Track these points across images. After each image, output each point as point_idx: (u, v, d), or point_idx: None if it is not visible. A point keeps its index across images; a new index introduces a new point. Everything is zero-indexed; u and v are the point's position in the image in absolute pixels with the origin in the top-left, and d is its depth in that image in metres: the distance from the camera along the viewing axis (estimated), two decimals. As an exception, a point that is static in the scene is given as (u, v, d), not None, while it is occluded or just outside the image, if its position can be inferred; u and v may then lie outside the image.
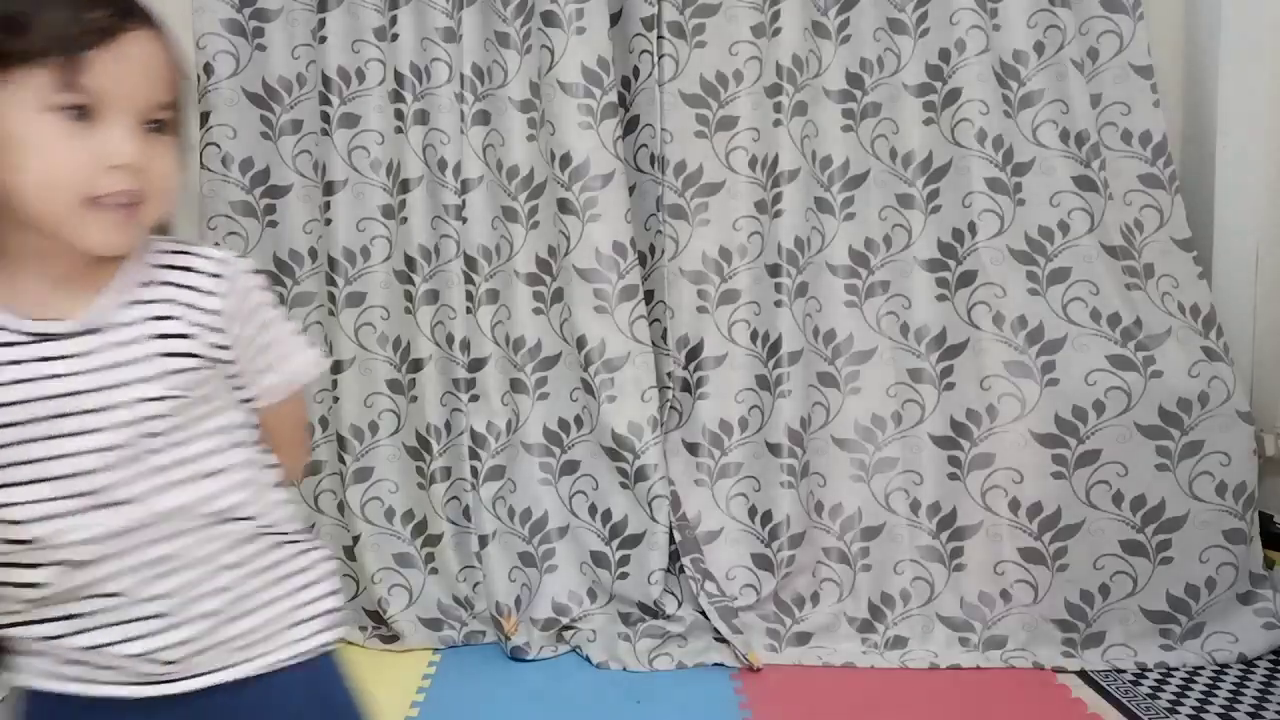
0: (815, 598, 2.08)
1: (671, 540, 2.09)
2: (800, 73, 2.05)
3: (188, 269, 0.81)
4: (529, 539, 2.12)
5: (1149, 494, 1.94)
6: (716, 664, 1.96)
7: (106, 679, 0.78)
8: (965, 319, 2.04)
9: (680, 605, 2.07)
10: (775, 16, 2.04)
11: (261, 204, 2.10)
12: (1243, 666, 1.89)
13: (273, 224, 2.11)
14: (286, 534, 0.86)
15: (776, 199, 2.06)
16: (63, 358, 0.75)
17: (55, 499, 0.74)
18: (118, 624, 0.77)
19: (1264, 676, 1.85)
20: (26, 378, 0.74)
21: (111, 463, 0.75)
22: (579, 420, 2.12)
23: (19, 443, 0.73)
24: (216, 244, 0.79)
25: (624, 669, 1.96)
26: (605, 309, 2.05)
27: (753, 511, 2.10)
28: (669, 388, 2.15)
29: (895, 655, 1.97)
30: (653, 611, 2.05)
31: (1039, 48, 2.02)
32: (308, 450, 0.88)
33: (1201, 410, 1.94)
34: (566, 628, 2.07)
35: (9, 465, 0.73)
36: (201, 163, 2.06)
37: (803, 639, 2.02)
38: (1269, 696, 1.77)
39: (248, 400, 0.85)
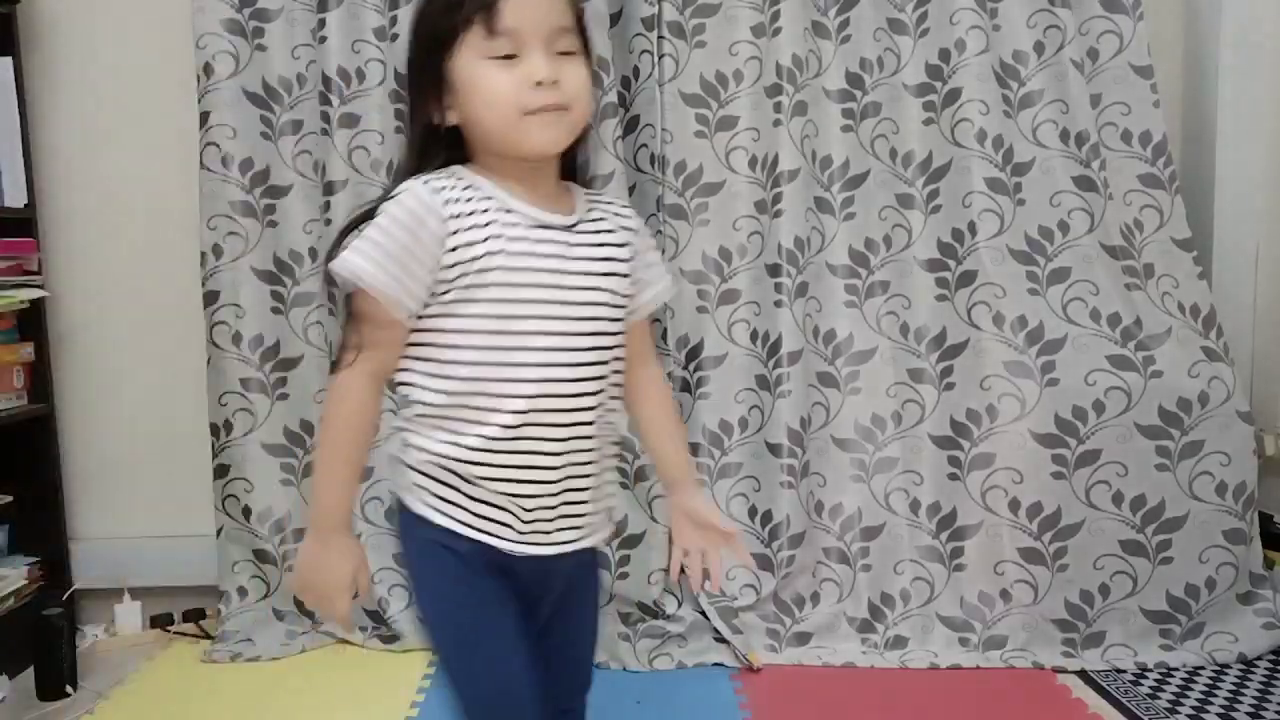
0: (815, 598, 2.08)
1: (671, 540, 2.08)
2: (800, 73, 2.05)
3: (611, 203, 1.09)
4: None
5: (1149, 494, 1.94)
6: (716, 664, 1.96)
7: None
8: (965, 319, 2.04)
9: (680, 605, 2.07)
10: (775, 16, 2.04)
11: (261, 204, 2.10)
12: (1243, 666, 1.89)
13: (273, 224, 2.11)
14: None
15: (776, 199, 2.06)
16: (563, 243, 1.00)
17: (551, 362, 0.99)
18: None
19: (1264, 676, 1.85)
20: (550, 254, 0.99)
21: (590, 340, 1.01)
22: (579, 420, 2.12)
23: (543, 301, 0.98)
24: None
25: (624, 669, 1.96)
26: (605, 309, 2.05)
27: (753, 511, 2.10)
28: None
29: (895, 655, 1.98)
30: (653, 611, 2.05)
31: (1039, 48, 2.02)
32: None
33: (1201, 410, 1.94)
34: (566, 628, 2.06)
35: (531, 317, 0.97)
36: (202, 163, 2.06)
37: (803, 639, 2.02)
38: (1269, 696, 1.77)
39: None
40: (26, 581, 2.04)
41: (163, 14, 2.15)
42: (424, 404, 0.99)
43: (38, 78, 2.16)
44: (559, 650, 1.08)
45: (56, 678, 1.90)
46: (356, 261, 0.94)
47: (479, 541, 0.99)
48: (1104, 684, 1.86)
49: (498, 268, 0.96)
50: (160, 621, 2.19)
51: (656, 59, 2.08)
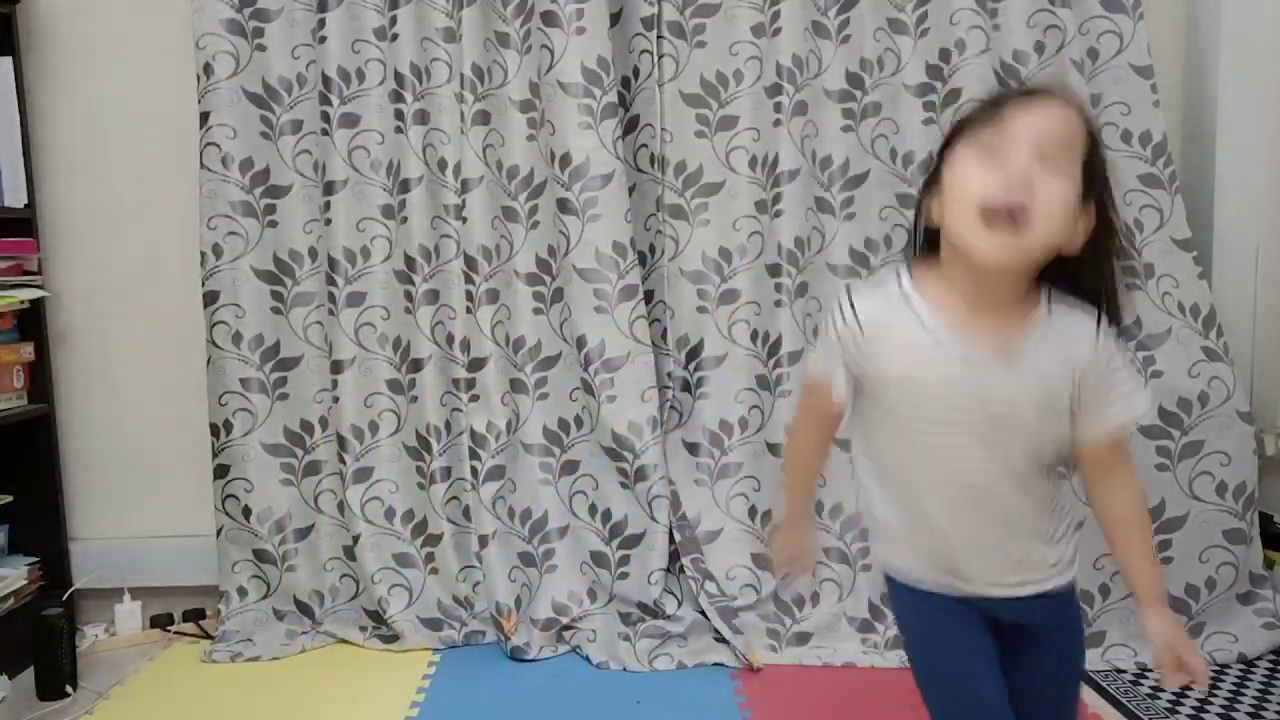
0: (815, 598, 2.08)
1: (671, 540, 2.08)
2: (800, 73, 2.05)
3: (1076, 328, 1.04)
4: (529, 539, 2.12)
5: (1149, 494, 1.94)
6: (716, 664, 1.96)
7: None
8: (965, 319, 2.04)
9: (680, 605, 2.07)
10: (775, 16, 2.04)
11: (261, 204, 2.10)
12: (1243, 666, 1.89)
13: (273, 224, 2.11)
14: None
15: (776, 199, 2.06)
16: (977, 382, 1.02)
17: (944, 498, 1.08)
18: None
19: (1264, 676, 1.85)
20: (960, 380, 1.02)
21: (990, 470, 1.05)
22: (579, 420, 2.12)
23: (959, 423, 1.03)
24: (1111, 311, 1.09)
25: (624, 669, 1.96)
26: (605, 309, 2.05)
27: (753, 511, 2.10)
28: (669, 388, 2.15)
29: (895, 655, 1.97)
30: (653, 611, 2.05)
31: (1039, 48, 2.02)
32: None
33: (1201, 410, 1.94)
34: (566, 628, 2.07)
35: (952, 435, 1.04)
36: (202, 163, 2.06)
37: (803, 639, 2.02)
38: (1269, 696, 1.77)
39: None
40: (26, 581, 2.04)
41: (163, 14, 2.15)
42: None
43: (38, 78, 2.17)
44: (1023, 686, 1.12)
45: (56, 678, 1.90)
46: (811, 359, 1.18)
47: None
48: (1104, 684, 1.85)
49: (909, 394, 1.04)
50: (160, 621, 2.19)
51: (656, 59, 2.08)
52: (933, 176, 1.05)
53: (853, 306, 1.06)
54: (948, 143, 1.03)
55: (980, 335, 1.01)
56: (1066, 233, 0.98)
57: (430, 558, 2.13)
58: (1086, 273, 1.03)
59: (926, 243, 1.07)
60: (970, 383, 1.01)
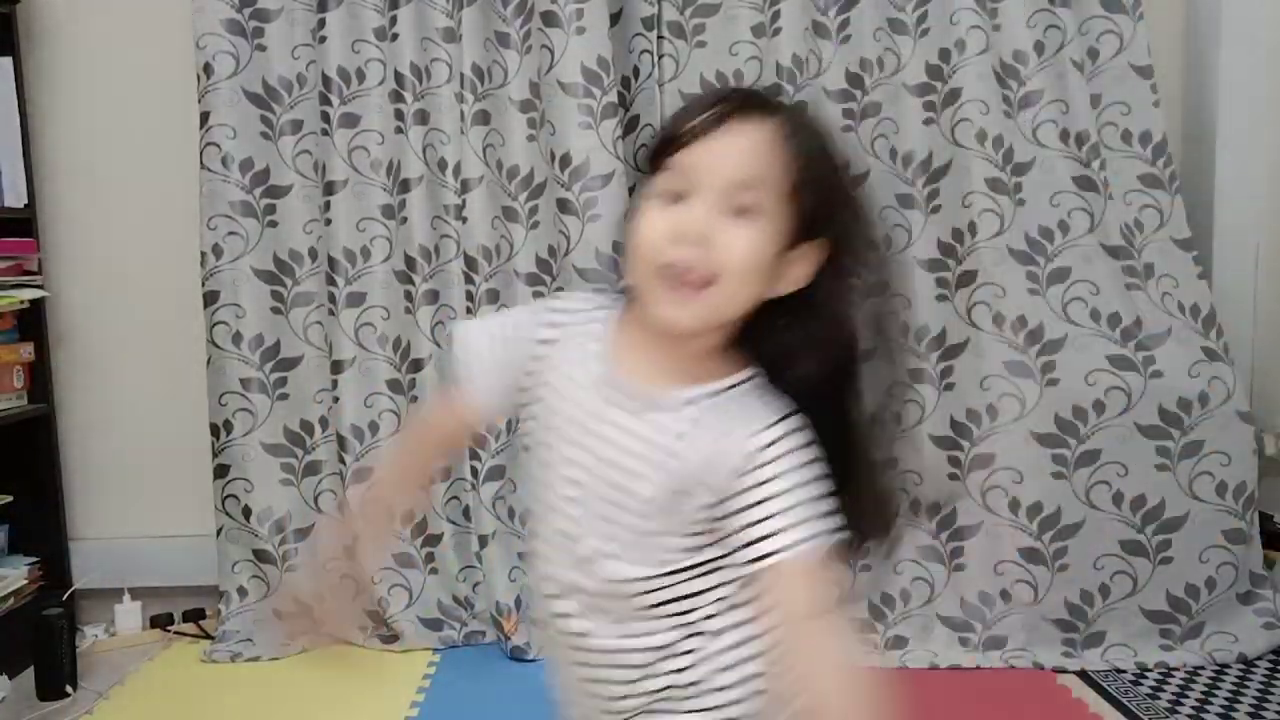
0: (815, 598, 2.07)
1: (671, 540, 2.08)
2: (800, 73, 2.05)
3: (747, 420, 0.82)
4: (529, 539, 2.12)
5: (1149, 494, 1.94)
6: (716, 664, 1.96)
7: None
8: (965, 319, 2.04)
9: (680, 605, 2.06)
10: (775, 16, 2.04)
11: (261, 204, 2.10)
12: (1243, 666, 1.89)
13: (273, 224, 2.11)
14: None
15: (776, 199, 2.06)
16: (616, 425, 0.84)
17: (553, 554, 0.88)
18: None
19: (1264, 676, 1.85)
20: (592, 430, 0.85)
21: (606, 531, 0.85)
22: (579, 420, 2.12)
23: (580, 481, 0.85)
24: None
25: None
26: (605, 309, 2.05)
27: (753, 511, 2.09)
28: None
29: (895, 655, 1.97)
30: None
31: (1039, 48, 2.02)
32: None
33: (1201, 410, 1.94)
34: (566, 628, 2.06)
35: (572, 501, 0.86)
36: (202, 163, 2.06)
37: (803, 639, 2.02)
38: (1269, 696, 1.77)
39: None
40: (26, 581, 2.04)
41: (163, 14, 2.15)
42: None
43: (38, 78, 2.16)
44: None
45: (56, 678, 1.89)
46: (472, 321, 0.96)
47: None
48: (1104, 684, 1.85)
49: (541, 415, 0.89)
50: (160, 621, 2.19)
51: (656, 59, 2.08)
52: (636, 197, 0.87)
53: (549, 304, 0.91)
54: (647, 160, 0.86)
55: (637, 388, 0.84)
56: (757, 289, 0.81)
57: (430, 558, 2.13)
58: (778, 334, 0.84)
59: None
60: (597, 438, 0.84)
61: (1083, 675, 1.89)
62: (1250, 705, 1.74)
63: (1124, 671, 1.90)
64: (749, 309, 0.82)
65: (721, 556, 0.83)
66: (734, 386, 0.84)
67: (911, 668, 1.95)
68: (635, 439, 0.83)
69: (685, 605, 0.85)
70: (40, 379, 2.10)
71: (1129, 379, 1.95)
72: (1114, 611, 1.96)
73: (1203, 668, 1.89)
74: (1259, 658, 1.91)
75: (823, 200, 0.81)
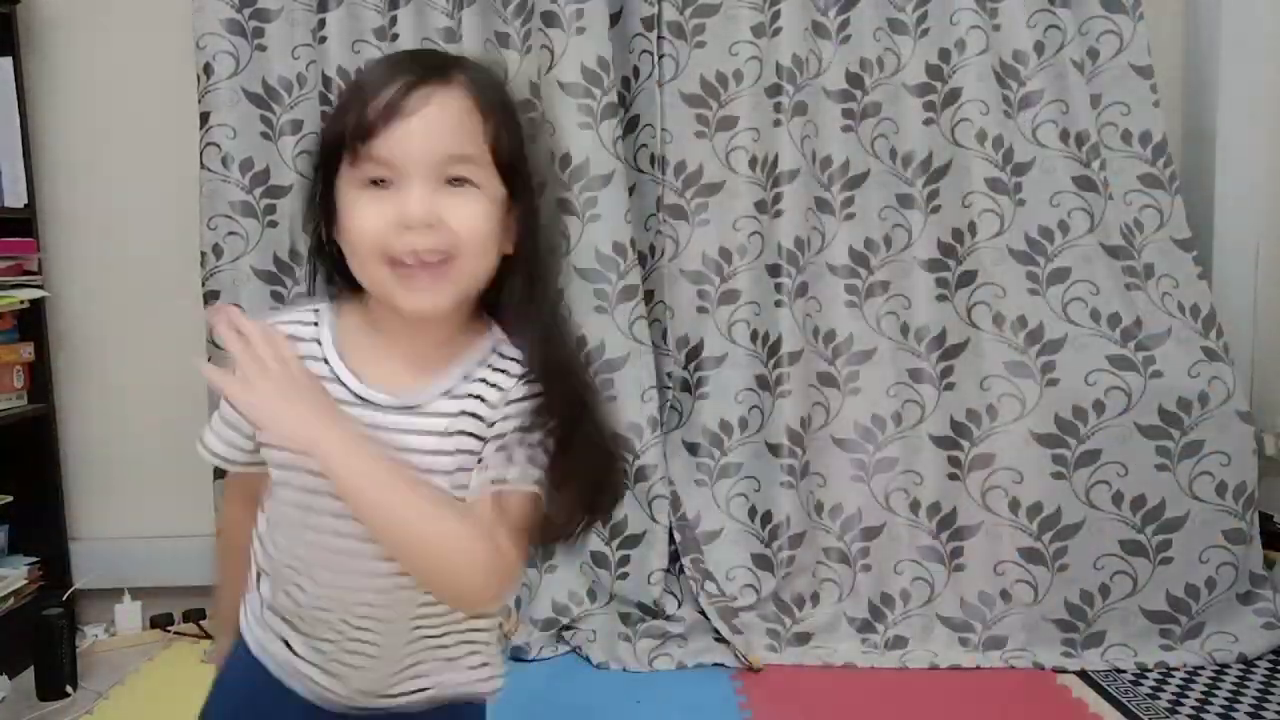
0: (815, 598, 2.08)
1: (671, 540, 2.08)
2: (800, 73, 2.05)
3: (503, 373, 0.84)
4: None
5: (1149, 494, 1.94)
6: (716, 664, 1.96)
7: None
8: (965, 319, 2.04)
9: (680, 605, 2.07)
10: (775, 16, 2.04)
11: (261, 204, 2.10)
12: (1243, 666, 1.89)
13: (273, 224, 2.11)
14: None
15: (776, 199, 2.06)
16: (374, 427, 0.81)
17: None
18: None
19: (1264, 676, 1.85)
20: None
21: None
22: (579, 420, 2.12)
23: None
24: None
25: (624, 669, 1.95)
26: (605, 309, 2.05)
27: (753, 511, 2.10)
28: (669, 388, 2.14)
29: (895, 655, 1.97)
30: (653, 611, 2.05)
31: (1039, 48, 2.02)
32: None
33: (1201, 410, 1.94)
34: (566, 628, 2.07)
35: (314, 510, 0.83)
36: (202, 163, 2.06)
37: (803, 639, 2.02)
38: (1269, 696, 1.77)
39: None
40: (26, 581, 2.04)
41: (163, 14, 2.15)
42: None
43: (38, 78, 2.16)
44: None
45: (56, 678, 1.89)
46: (206, 437, 0.93)
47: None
48: (1104, 684, 1.85)
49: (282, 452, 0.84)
50: (160, 621, 2.19)
51: (656, 59, 2.08)
52: (319, 193, 0.83)
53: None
54: (323, 156, 0.83)
55: (391, 396, 0.83)
56: (494, 254, 0.82)
57: (430, 558, 2.13)
58: (508, 292, 0.84)
59: (327, 268, 0.88)
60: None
61: (1083, 675, 1.89)
62: (1250, 705, 1.74)
63: (1124, 671, 1.90)
64: (486, 277, 0.83)
65: None
66: (482, 358, 0.85)
67: (911, 668, 1.95)
68: (418, 444, 0.82)
69: None
70: (40, 379, 2.10)
71: (1129, 379, 1.95)
72: (1114, 611, 1.96)
73: (1203, 668, 1.89)
74: (1259, 658, 1.91)
75: (520, 155, 0.82)
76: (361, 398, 0.83)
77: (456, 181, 0.79)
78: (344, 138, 0.79)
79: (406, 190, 0.77)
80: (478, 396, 0.83)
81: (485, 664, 0.96)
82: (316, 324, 0.87)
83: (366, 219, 0.78)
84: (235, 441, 0.91)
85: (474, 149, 0.79)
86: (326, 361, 0.85)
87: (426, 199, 0.77)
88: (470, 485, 0.82)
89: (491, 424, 0.83)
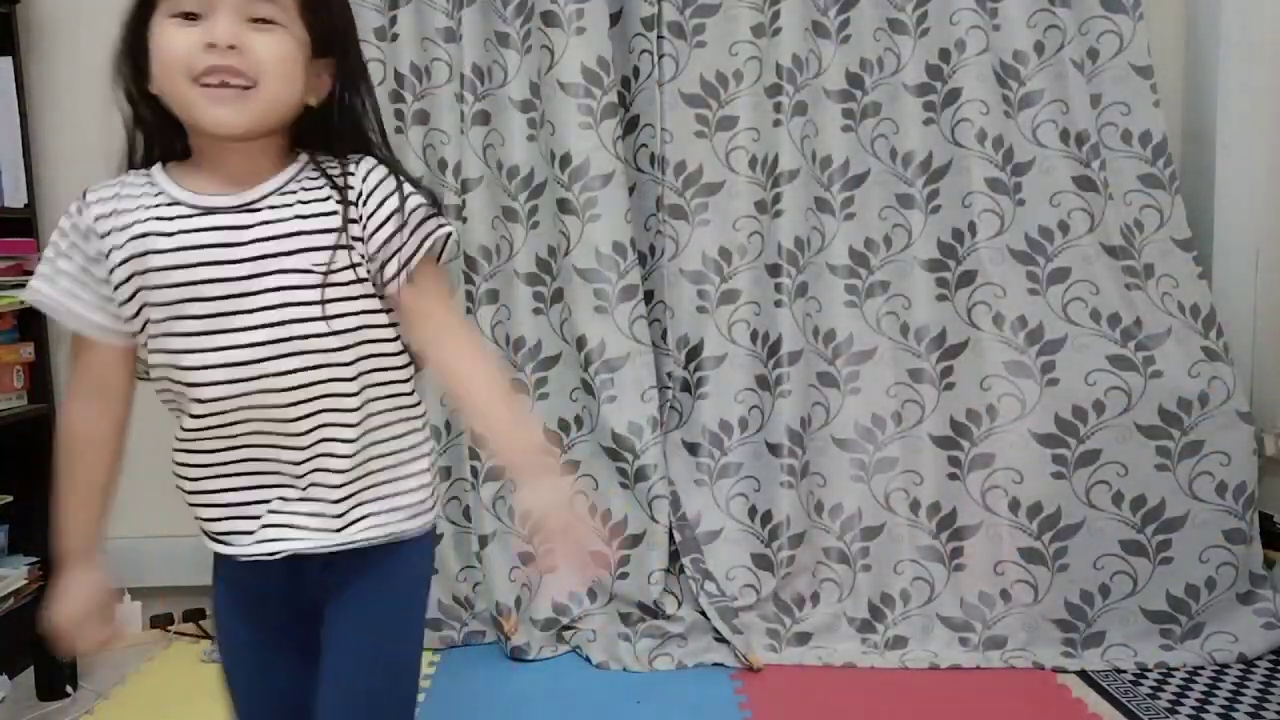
0: (815, 598, 2.08)
1: (671, 540, 2.08)
2: (800, 73, 2.05)
3: (347, 172, 0.93)
4: (529, 539, 2.12)
5: (1149, 494, 1.94)
6: (716, 664, 1.96)
7: None
8: (965, 319, 2.04)
9: (680, 605, 2.07)
10: (775, 16, 2.04)
11: (261, 204, 2.10)
12: (1243, 666, 1.89)
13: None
14: None
15: (776, 199, 2.06)
16: (232, 226, 0.89)
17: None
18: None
19: (1264, 676, 1.85)
20: (195, 245, 0.88)
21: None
22: (579, 420, 2.12)
23: (207, 298, 0.88)
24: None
25: (624, 669, 1.96)
26: (605, 309, 2.05)
27: (753, 511, 2.10)
28: (669, 388, 2.14)
29: (895, 655, 1.97)
30: (653, 611, 2.05)
31: (1039, 48, 2.02)
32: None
33: (1201, 410, 1.94)
34: (566, 628, 2.07)
35: (196, 316, 0.89)
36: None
37: (803, 639, 2.02)
38: (1269, 696, 1.77)
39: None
40: (26, 581, 2.04)
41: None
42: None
43: (38, 78, 2.16)
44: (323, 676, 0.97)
45: (56, 678, 1.90)
46: (33, 281, 0.92)
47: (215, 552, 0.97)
48: (1104, 684, 1.85)
49: (151, 269, 0.88)
50: (160, 621, 2.19)
51: (656, 59, 2.08)
52: (136, 44, 0.90)
53: (87, 206, 0.90)
54: (140, 5, 0.90)
55: (230, 198, 0.90)
56: (298, 90, 0.89)
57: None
58: (338, 130, 0.94)
59: (149, 125, 0.94)
60: (234, 253, 0.88)
61: (1083, 675, 1.89)
62: (1250, 705, 1.74)
63: (1124, 671, 1.90)
64: (290, 116, 0.91)
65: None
66: (300, 168, 0.93)
67: (911, 668, 1.95)
68: (272, 232, 0.89)
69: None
70: (40, 379, 2.10)
71: (1129, 379, 1.95)
72: (1114, 611, 1.96)
73: (1203, 668, 1.89)
74: (1259, 658, 1.91)
75: (329, 17, 0.91)
76: (203, 208, 0.89)
77: (262, 22, 0.86)
78: None
79: (213, 18, 0.85)
80: (315, 199, 0.91)
81: (425, 483, 0.99)
82: (148, 176, 0.93)
83: (175, 42, 0.85)
84: (90, 297, 0.92)
85: None
86: (162, 193, 0.90)
87: (230, 27, 0.85)
88: (390, 274, 0.91)
89: (358, 219, 0.91)
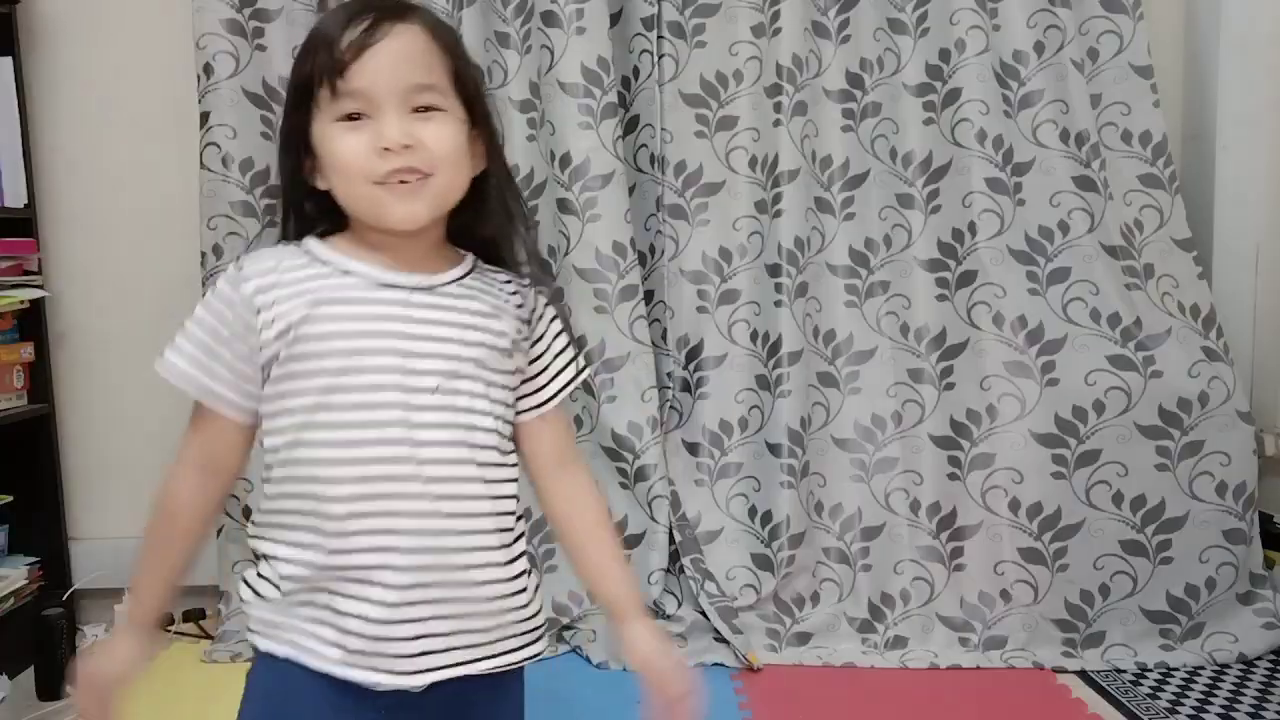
0: (815, 598, 2.08)
1: (671, 540, 2.08)
2: (800, 73, 2.05)
3: (508, 281, 0.95)
4: (529, 539, 2.12)
5: (1149, 494, 1.94)
6: (716, 664, 1.96)
7: None
8: (965, 319, 2.04)
9: (680, 605, 2.07)
10: (775, 16, 2.04)
11: (261, 204, 2.10)
12: (1243, 666, 1.89)
13: (273, 224, 2.11)
14: None
15: (776, 199, 2.06)
16: (412, 303, 0.88)
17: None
18: None
19: (1264, 676, 1.85)
20: (369, 315, 0.87)
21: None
22: (579, 420, 2.12)
23: (378, 369, 0.86)
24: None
25: (624, 669, 1.95)
26: (605, 309, 2.05)
27: (753, 511, 2.10)
28: (669, 388, 2.14)
29: (895, 655, 1.97)
30: (653, 611, 2.05)
31: (1039, 48, 2.02)
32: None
33: (1201, 410, 1.94)
34: (567, 628, 2.07)
35: (362, 388, 0.86)
36: (202, 163, 2.06)
37: (803, 639, 2.02)
38: (1269, 696, 1.77)
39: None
40: (26, 581, 2.04)
41: (163, 14, 2.15)
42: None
43: (38, 78, 2.16)
44: None
45: (56, 678, 1.89)
46: (168, 354, 0.90)
47: (300, 665, 0.86)
48: (1104, 684, 1.85)
49: (317, 335, 0.85)
50: (160, 621, 2.19)
51: (656, 59, 2.08)
52: (295, 138, 0.92)
53: (243, 280, 0.87)
54: (294, 101, 0.90)
55: (414, 278, 0.89)
56: (467, 169, 0.90)
57: (430, 558, 2.13)
58: (490, 210, 0.94)
59: (302, 209, 0.95)
60: (412, 328, 0.87)
61: (1083, 675, 1.89)
62: (1250, 705, 1.74)
63: (1124, 671, 1.90)
64: (462, 193, 0.91)
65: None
66: (471, 267, 0.94)
67: (911, 668, 1.95)
68: (448, 318, 0.89)
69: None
70: (40, 379, 2.10)
71: (1129, 379, 1.95)
72: (1114, 611, 1.96)
73: (1203, 668, 1.89)
74: (1259, 658, 1.91)
75: (474, 85, 0.91)
76: (379, 281, 0.88)
77: (423, 110, 0.86)
78: (314, 79, 0.86)
79: (381, 119, 0.85)
80: (504, 305, 0.92)
81: (529, 602, 0.97)
82: (304, 250, 0.91)
83: (348, 147, 0.85)
84: (236, 374, 0.88)
85: (437, 78, 0.87)
86: (329, 264, 0.89)
87: (401, 125, 0.85)
88: (539, 398, 0.96)
89: (523, 327, 0.93)
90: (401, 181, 0.85)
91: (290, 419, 0.87)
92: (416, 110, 0.86)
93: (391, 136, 0.84)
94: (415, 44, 0.87)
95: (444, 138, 0.86)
